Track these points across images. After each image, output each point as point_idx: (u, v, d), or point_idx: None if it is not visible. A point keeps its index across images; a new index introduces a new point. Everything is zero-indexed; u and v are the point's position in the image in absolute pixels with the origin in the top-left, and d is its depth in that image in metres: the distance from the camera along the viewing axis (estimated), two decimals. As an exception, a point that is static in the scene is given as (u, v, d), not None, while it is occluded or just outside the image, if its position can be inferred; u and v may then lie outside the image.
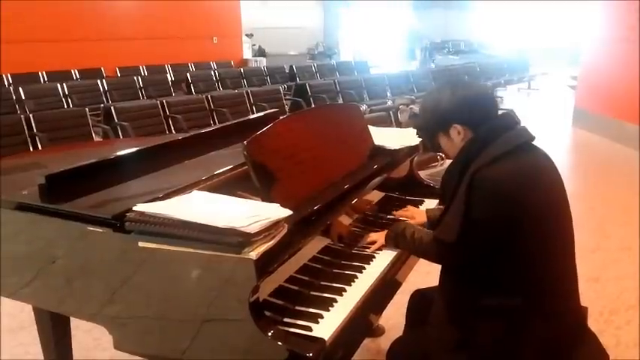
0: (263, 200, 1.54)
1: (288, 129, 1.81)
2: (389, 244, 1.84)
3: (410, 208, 2.17)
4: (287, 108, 7.19)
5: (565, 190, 1.59)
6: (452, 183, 1.56)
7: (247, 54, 13.58)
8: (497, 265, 1.49)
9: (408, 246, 1.79)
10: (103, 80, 8.06)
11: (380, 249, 1.85)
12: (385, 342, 2.57)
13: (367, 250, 1.86)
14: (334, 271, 1.71)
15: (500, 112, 1.64)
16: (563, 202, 1.57)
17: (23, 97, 6.87)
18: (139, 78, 8.35)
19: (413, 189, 2.38)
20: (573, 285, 1.60)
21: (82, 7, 9.66)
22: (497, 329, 1.50)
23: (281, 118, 1.91)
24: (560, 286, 1.55)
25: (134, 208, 1.40)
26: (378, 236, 1.89)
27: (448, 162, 1.68)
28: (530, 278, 1.49)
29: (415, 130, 2.45)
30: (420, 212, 2.11)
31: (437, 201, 2.28)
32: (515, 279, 1.49)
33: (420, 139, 2.40)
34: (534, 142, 1.58)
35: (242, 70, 9.92)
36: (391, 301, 1.73)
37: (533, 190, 1.48)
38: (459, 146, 1.59)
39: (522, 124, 1.62)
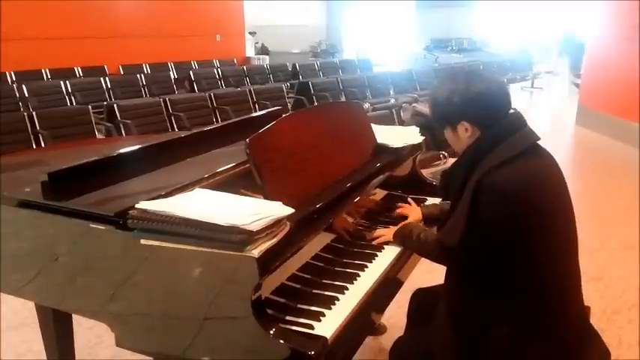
0: (265, 198, 1.54)
1: (291, 127, 1.81)
2: (396, 242, 1.84)
3: (406, 206, 2.15)
4: (290, 106, 7.19)
5: (568, 191, 1.58)
6: (456, 183, 1.54)
7: (250, 52, 13.59)
8: (503, 268, 1.49)
9: (413, 246, 1.79)
10: (106, 78, 8.07)
11: (385, 243, 1.85)
12: (387, 340, 2.57)
13: (373, 241, 1.86)
14: (336, 269, 1.71)
15: (510, 111, 1.59)
16: (568, 204, 1.56)
17: (26, 95, 6.88)
18: (142, 76, 8.36)
19: (416, 187, 2.37)
20: (577, 285, 1.60)
21: (85, 5, 9.67)
22: (502, 331, 1.49)
23: (283, 116, 1.91)
24: (564, 287, 1.55)
25: (136, 206, 1.40)
26: (386, 231, 1.89)
27: (451, 161, 1.67)
28: (535, 280, 1.49)
29: (418, 129, 2.45)
30: (415, 209, 2.10)
31: (439, 199, 2.27)
32: (520, 281, 1.49)
33: (423, 138, 2.40)
34: (539, 143, 1.57)
35: (245, 68, 9.92)
36: (393, 300, 1.73)
37: (540, 193, 1.47)
38: (465, 142, 1.56)
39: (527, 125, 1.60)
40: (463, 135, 1.56)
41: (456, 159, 1.63)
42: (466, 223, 1.45)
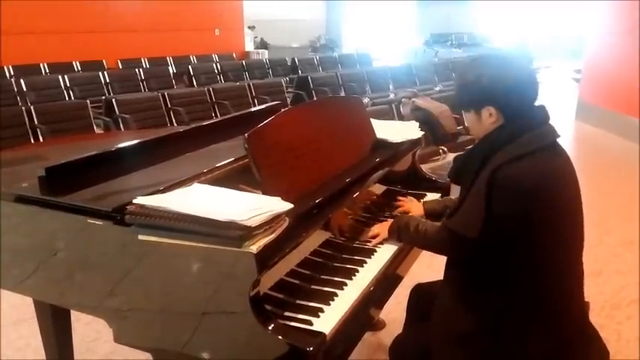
0: (264, 193, 1.53)
1: (290, 122, 1.80)
2: (391, 237, 1.83)
3: (407, 201, 2.14)
4: (289, 101, 7.17)
5: (580, 193, 1.56)
6: (471, 169, 1.51)
7: (249, 46, 13.53)
8: (508, 262, 1.48)
9: (412, 238, 1.76)
10: (105, 72, 8.03)
11: (382, 243, 1.84)
12: (386, 336, 2.57)
13: (369, 244, 1.85)
14: (335, 264, 1.71)
15: (536, 103, 1.55)
16: (579, 205, 1.56)
17: (24, 89, 6.85)
18: (141, 70, 8.31)
19: (415, 183, 2.37)
20: (579, 282, 1.59)
21: (83, -1, 9.64)
22: (501, 325, 1.49)
23: (282, 110, 1.90)
24: (566, 284, 1.54)
25: (134, 201, 1.39)
26: (380, 229, 1.87)
27: (451, 156, 1.66)
28: (538, 276, 1.48)
29: (417, 124, 2.44)
30: (417, 205, 2.10)
31: (439, 195, 2.27)
32: (523, 276, 1.48)
33: (423, 133, 2.39)
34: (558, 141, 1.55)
35: (244, 62, 9.88)
36: (392, 295, 1.73)
37: (553, 192, 1.45)
38: (486, 128, 1.52)
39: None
40: (487, 120, 1.52)
41: (457, 153, 1.62)
42: (484, 216, 1.43)
